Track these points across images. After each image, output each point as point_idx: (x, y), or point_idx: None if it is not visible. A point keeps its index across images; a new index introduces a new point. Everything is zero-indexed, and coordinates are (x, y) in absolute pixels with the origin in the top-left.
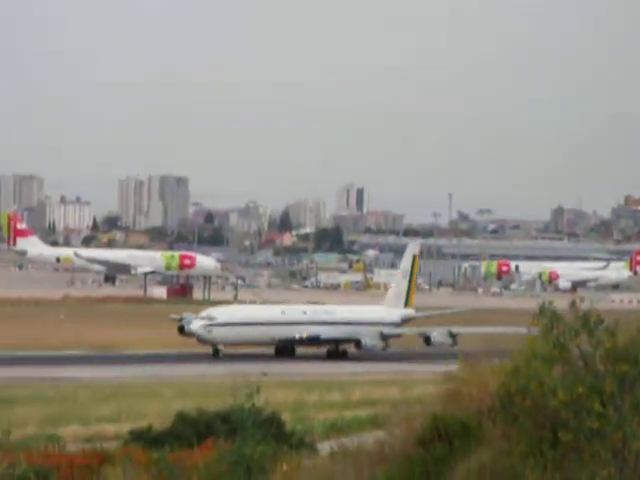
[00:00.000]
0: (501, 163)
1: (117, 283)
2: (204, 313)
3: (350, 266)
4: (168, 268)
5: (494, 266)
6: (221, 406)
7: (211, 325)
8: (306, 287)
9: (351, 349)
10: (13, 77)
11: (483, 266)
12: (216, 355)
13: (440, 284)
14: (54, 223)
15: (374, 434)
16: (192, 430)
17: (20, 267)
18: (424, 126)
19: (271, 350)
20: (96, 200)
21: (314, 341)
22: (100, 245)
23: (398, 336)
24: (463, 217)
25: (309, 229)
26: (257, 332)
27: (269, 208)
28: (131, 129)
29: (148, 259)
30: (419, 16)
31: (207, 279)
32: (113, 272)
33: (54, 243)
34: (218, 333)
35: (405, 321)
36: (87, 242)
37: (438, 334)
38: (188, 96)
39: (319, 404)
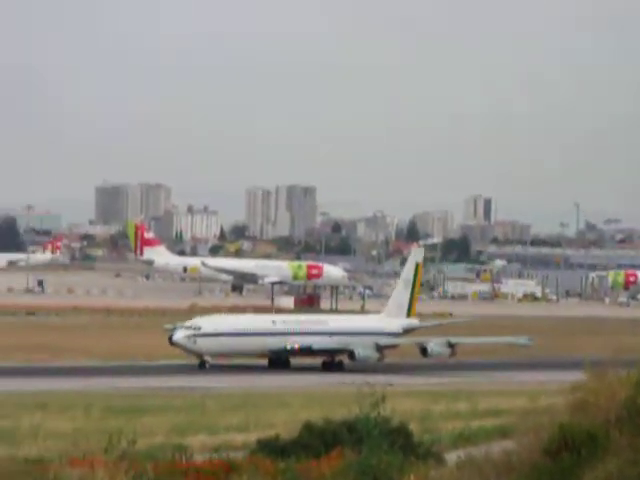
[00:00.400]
0: (628, 173)
1: (244, 293)
2: (189, 323)
3: (477, 276)
4: (295, 278)
5: (621, 276)
6: (347, 415)
7: (196, 335)
8: (433, 297)
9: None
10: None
11: (610, 276)
12: (202, 367)
13: (568, 294)
14: (181, 232)
15: (501, 444)
16: (319, 440)
17: (147, 277)
18: (550, 137)
19: (264, 361)
20: (224, 209)
21: (306, 352)
22: (227, 255)
23: (394, 347)
24: (590, 227)
25: (436, 239)
26: (246, 343)
27: (396, 218)
28: (259, 139)
29: (275, 269)
30: None
31: (334, 289)
32: (240, 282)
33: (181, 253)
34: (204, 344)
35: (407, 331)
36: (214, 252)
37: (435, 344)
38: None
39: (446, 414)
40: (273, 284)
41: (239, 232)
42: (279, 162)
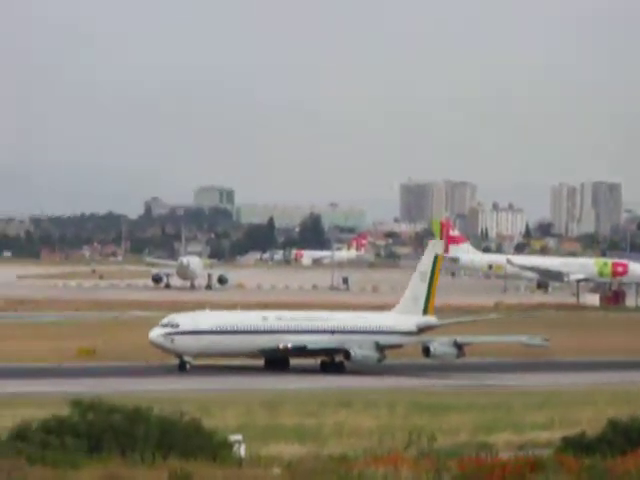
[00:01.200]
0: None
1: (549, 290)
2: (166, 320)
3: None
4: (601, 275)
5: None
6: None
7: (174, 334)
8: None
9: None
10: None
11: None
12: (183, 368)
13: None
14: (486, 230)
15: None
16: (623, 437)
17: (453, 274)
18: None
19: (258, 362)
20: (529, 207)
21: (300, 352)
22: (532, 252)
23: (399, 346)
24: None
25: None
26: (232, 342)
27: None
28: (563, 136)
29: (581, 266)
30: None
31: (639, 286)
32: (546, 279)
33: (486, 250)
34: (182, 343)
35: (422, 330)
36: (519, 249)
37: (439, 344)
38: None
39: None
40: (578, 281)
41: (544, 229)
42: (586, 159)
